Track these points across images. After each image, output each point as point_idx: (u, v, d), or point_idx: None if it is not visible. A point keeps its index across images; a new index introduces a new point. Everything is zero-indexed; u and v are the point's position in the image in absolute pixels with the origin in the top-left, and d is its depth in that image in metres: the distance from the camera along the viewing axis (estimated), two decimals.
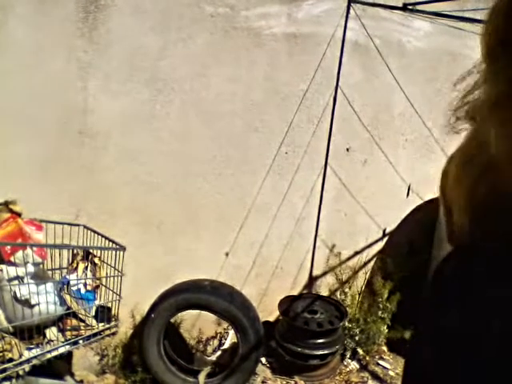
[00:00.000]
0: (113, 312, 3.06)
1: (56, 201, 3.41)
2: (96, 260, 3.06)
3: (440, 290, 0.53)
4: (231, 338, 4.18)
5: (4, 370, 2.56)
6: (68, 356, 3.37)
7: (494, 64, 0.53)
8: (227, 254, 4.14)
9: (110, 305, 3.06)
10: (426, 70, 4.52)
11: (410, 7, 4.05)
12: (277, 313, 4.31)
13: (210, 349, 4.25)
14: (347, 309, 4.32)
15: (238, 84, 3.82)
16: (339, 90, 4.16)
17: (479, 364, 0.45)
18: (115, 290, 3.03)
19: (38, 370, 2.76)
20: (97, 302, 3.02)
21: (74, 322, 2.92)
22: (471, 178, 0.56)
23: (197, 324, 4.15)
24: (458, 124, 0.58)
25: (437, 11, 4.12)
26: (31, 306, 2.72)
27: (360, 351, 4.39)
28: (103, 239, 3.12)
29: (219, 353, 4.15)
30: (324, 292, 4.63)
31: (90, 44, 3.31)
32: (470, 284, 0.49)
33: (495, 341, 0.45)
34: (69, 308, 2.88)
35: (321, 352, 4.01)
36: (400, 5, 4.08)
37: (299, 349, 4.00)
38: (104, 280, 3.06)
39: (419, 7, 4.06)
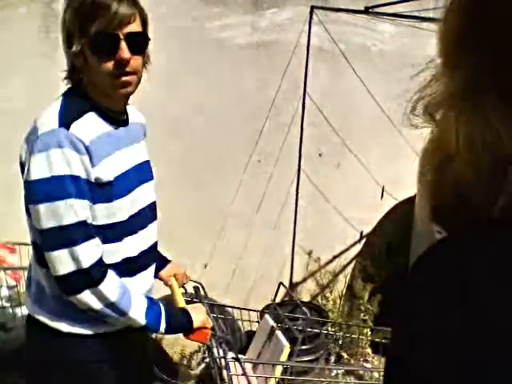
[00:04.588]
0: None
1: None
2: None
3: (438, 289, 0.52)
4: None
5: None
6: None
7: (450, 61, 0.55)
8: (206, 266, 4.12)
9: None
10: (393, 72, 4.56)
11: (371, 10, 4.10)
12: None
13: (194, 362, 4.21)
14: (329, 313, 4.31)
15: (205, 95, 3.82)
16: (307, 96, 4.18)
17: (481, 365, 0.45)
18: None
19: None
20: None
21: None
22: (432, 171, 0.58)
23: (180, 338, 4.11)
24: (415, 118, 0.60)
25: (398, 12, 4.16)
26: (7, 330, 2.69)
27: (344, 355, 4.39)
28: None
29: (203, 366, 4.12)
30: (305, 298, 4.63)
31: (55, 63, 3.29)
32: (471, 282, 0.49)
33: (498, 341, 0.45)
34: None
35: (305, 358, 4.00)
36: (362, 8, 4.12)
37: None
38: None
39: (381, 10, 4.10)
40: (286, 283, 4.57)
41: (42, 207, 1.50)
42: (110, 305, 1.58)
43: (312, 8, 4.00)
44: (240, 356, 3.21)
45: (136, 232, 1.72)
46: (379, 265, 4.64)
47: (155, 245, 1.90)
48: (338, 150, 4.48)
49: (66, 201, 1.49)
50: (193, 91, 3.75)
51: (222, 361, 2.43)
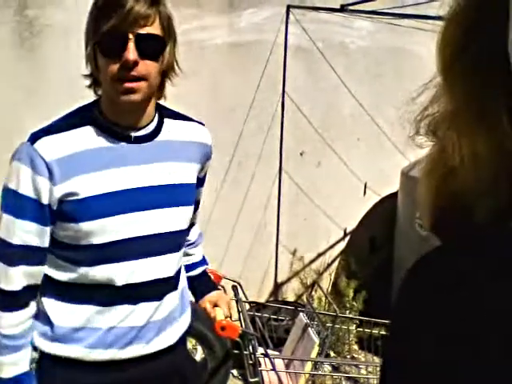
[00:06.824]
0: None
1: None
2: None
3: (435, 294, 0.51)
4: (200, 353, 4.14)
5: None
6: None
7: (450, 77, 0.54)
8: None
9: None
10: (372, 68, 4.56)
11: (347, 8, 4.09)
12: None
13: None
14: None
15: (184, 98, 3.78)
16: (286, 96, 4.17)
17: (481, 367, 0.45)
18: None
19: None
20: None
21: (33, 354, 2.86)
22: (433, 186, 0.58)
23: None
24: (419, 137, 0.59)
25: (375, 9, 4.16)
26: None
27: (331, 353, 4.39)
28: None
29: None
30: (290, 297, 4.62)
31: (29, 70, 3.26)
32: (470, 285, 0.49)
33: (499, 343, 0.45)
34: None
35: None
36: (337, 6, 4.11)
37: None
38: None
39: (357, 7, 4.10)
40: (271, 283, 4.57)
41: None
42: None
43: (288, 7, 3.99)
44: (274, 352, 3.23)
45: (119, 261, 1.52)
46: (363, 261, 4.65)
47: (159, 280, 1.61)
48: (319, 148, 4.48)
49: (4, 215, 1.45)
50: (170, 95, 3.72)
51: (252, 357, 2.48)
